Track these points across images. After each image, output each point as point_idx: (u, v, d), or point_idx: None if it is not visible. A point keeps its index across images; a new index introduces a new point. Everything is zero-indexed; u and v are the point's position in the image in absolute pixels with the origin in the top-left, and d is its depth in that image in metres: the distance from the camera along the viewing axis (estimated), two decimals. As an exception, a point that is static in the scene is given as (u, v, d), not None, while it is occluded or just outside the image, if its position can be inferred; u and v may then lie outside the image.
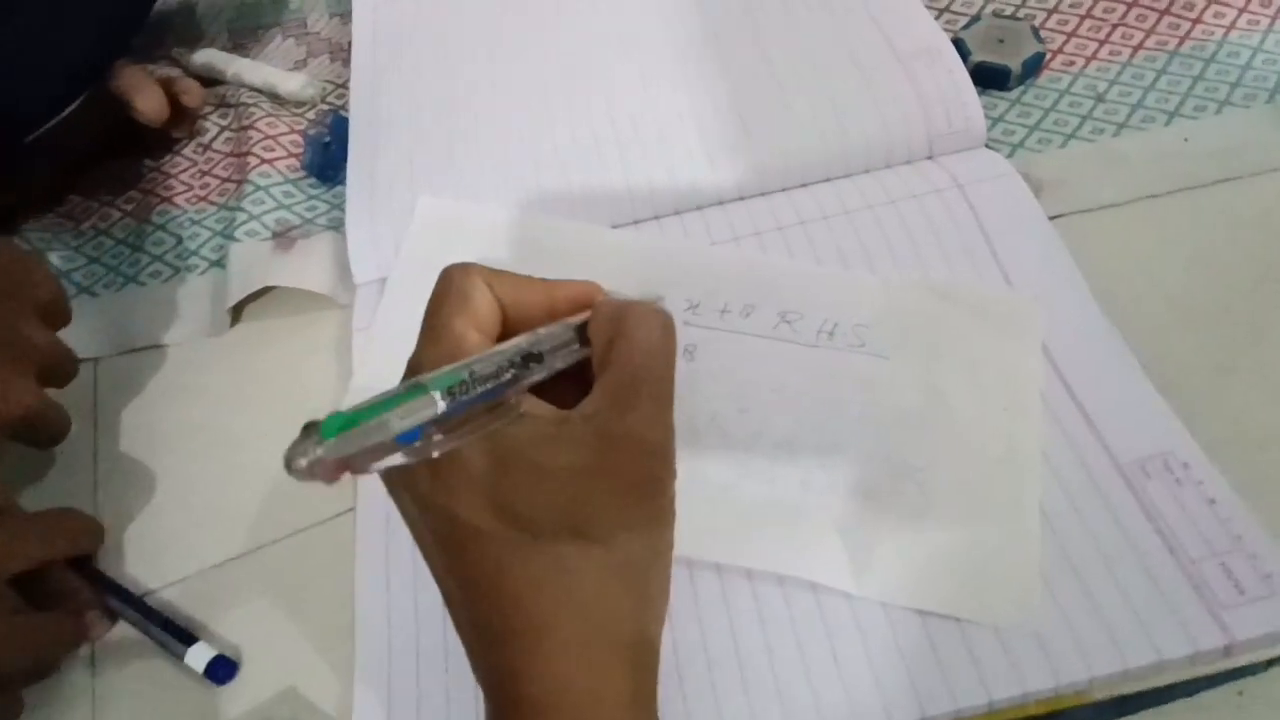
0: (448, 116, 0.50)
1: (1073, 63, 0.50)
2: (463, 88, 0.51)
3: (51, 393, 0.41)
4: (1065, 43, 0.50)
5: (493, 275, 0.31)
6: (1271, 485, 0.35)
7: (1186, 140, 0.46)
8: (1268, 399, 0.38)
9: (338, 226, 0.48)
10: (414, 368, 0.29)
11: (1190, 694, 0.32)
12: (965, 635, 0.33)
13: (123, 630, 0.38)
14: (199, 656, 0.37)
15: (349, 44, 0.55)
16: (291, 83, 0.54)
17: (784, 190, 0.46)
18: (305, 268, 0.46)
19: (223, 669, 0.37)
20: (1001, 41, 0.49)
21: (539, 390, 0.29)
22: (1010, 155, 0.47)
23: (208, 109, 0.55)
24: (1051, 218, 0.43)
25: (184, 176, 0.53)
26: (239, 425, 0.44)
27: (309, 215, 0.49)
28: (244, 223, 0.48)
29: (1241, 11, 0.50)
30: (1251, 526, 0.33)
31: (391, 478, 0.29)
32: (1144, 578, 0.33)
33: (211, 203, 0.51)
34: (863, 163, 0.46)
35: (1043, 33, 0.50)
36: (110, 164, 0.54)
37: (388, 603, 0.37)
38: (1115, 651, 0.31)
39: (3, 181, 0.49)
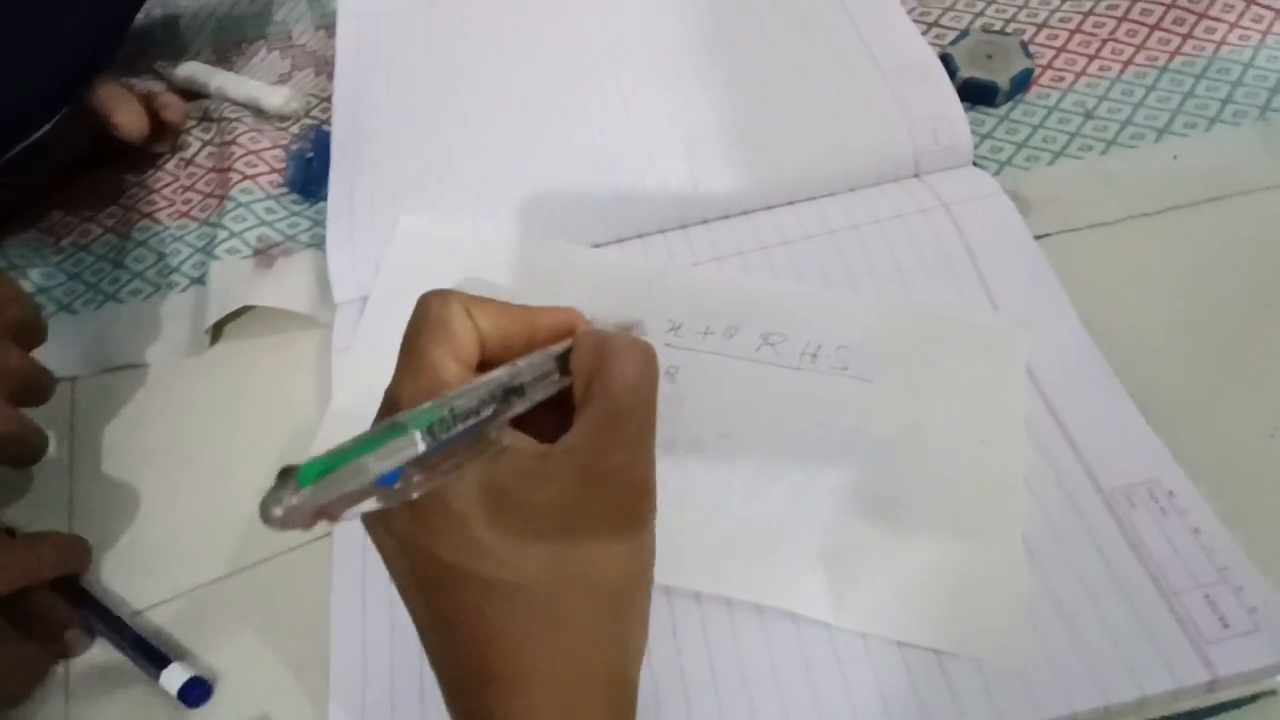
0: (430, 133, 0.49)
1: (1062, 78, 0.49)
2: (445, 105, 0.51)
3: (29, 411, 0.40)
4: (1054, 58, 0.50)
5: (472, 303, 0.31)
6: (1258, 515, 0.34)
7: (1176, 158, 0.45)
8: (1256, 425, 0.37)
9: (319, 244, 0.47)
10: (392, 401, 0.29)
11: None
12: (945, 668, 0.32)
13: (98, 655, 0.38)
14: (174, 678, 0.36)
15: (334, 58, 0.55)
16: (275, 97, 0.54)
17: (768, 208, 0.45)
18: (285, 286, 0.46)
19: (197, 691, 0.36)
20: (990, 57, 0.49)
21: (517, 417, 0.29)
22: (998, 172, 0.46)
23: (191, 123, 0.54)
24: (1039, 236, 0.43)
25: (166, 192, 0.52)
26: (218, 446, 0.43)
27: (291, 232, 0.49)
28: (225, 240, 0.48)
29: (1233, 27, 0.49)
30: (1237, 558, 0.33)
31: (370, 518, 0.28)
32: (1127, 610, 0.32)
33: (194, 218, 0.51)
34: (848, 181, 0.45)
35: (1032, 48, 0.50)
36: (91, 178, 0.53)
37: (363, 628, 0.36)
38: (1096, 686, 0.31)
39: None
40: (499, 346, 0.31)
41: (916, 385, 0.38)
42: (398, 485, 0.24)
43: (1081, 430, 0.36)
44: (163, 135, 0.53)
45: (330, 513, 0.23)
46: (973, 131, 0.46)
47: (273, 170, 0.51)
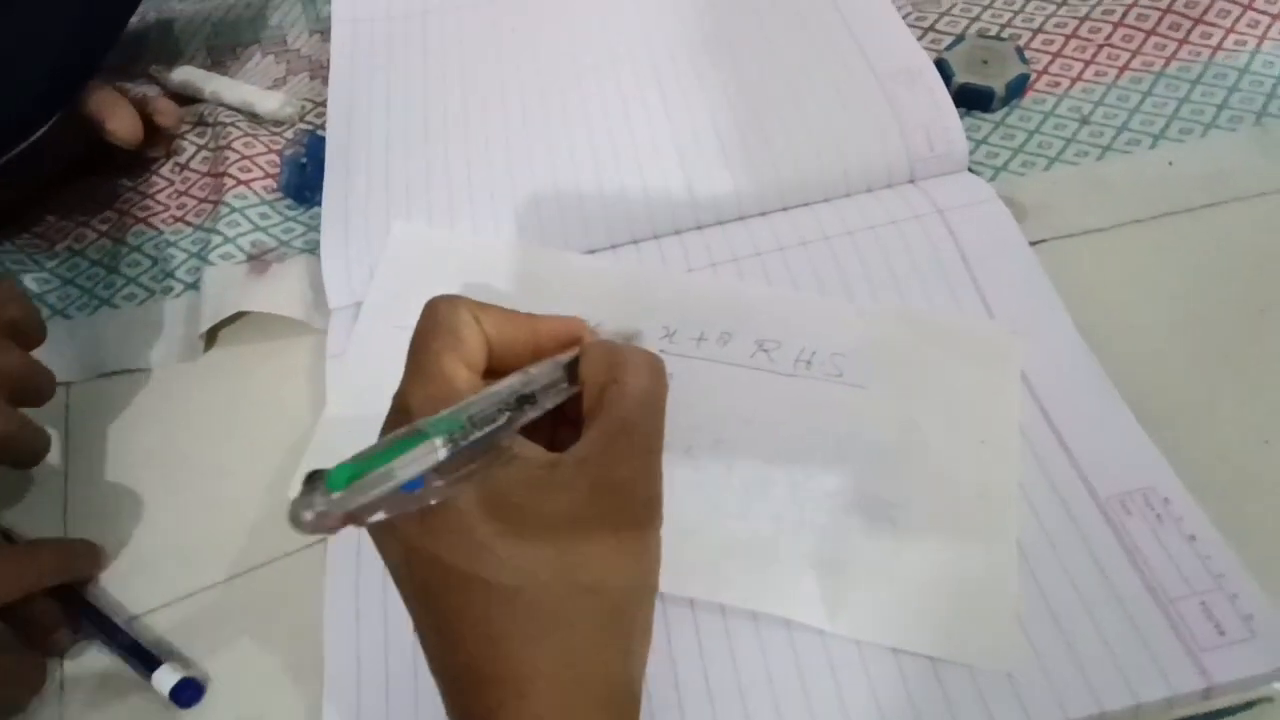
0: (424, 138, 0.49)
1: (1057, 84, 0.49)
2: (440, 110, 0.50)
3: (29, 412, 0.40)
4: (1050, 63, 0.50)
5: (479, 308, 0.31)
6: (1254, 522, 0.34)
7: (1171, 164, 0.45)
8: (1252, 432, 0.37)
9: (314, 249, 0.47)
10: (402, 407, 0.29)
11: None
12: (939, 675, 0.32)
13: (92, 659, 0.38)
14: (165, 678, 0.36)
15: (329, 62, 0.55)
16: (270, 101, 0.54)
17: (762, 215, 0.45)
18: (279, 292, 0.46)
19: (188, 692, 0.36)
20: (985, 63, 0.49)
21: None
22: (993, 178, 0.46)
23: (185, 128, 0.54)
24: (1034, 242, 0.43)
25: (161, 197, 0.52)
26: (212, 452, 0.43)
27: (285, 237, 0.48)
28: (219, 245, 0.47)
29: (1228, 32, 0.49)
30: (1233, 565, 0.33)
31: (379, 524, 0.29)
32: (1121, 617, 0.32)
33: (188, 224, 0.51)
34: (842, 187, 0.45)
35: (1027, 53, 0.50)
36: (85, 183, 0.53)
37: (357, 633, 0.36)
38: (1091, 693, 0.31)
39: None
40: (504, 353, 0.31)
41: (911, 392, 0.38)
42: (419, 491, 0.25)
43: (1077, 437, 0.36)
44: (157, 140, 0.53)
45: (358, 517, 0.23)
46: (968, 137, 0.46)
47: (267, 175, 0.51)
